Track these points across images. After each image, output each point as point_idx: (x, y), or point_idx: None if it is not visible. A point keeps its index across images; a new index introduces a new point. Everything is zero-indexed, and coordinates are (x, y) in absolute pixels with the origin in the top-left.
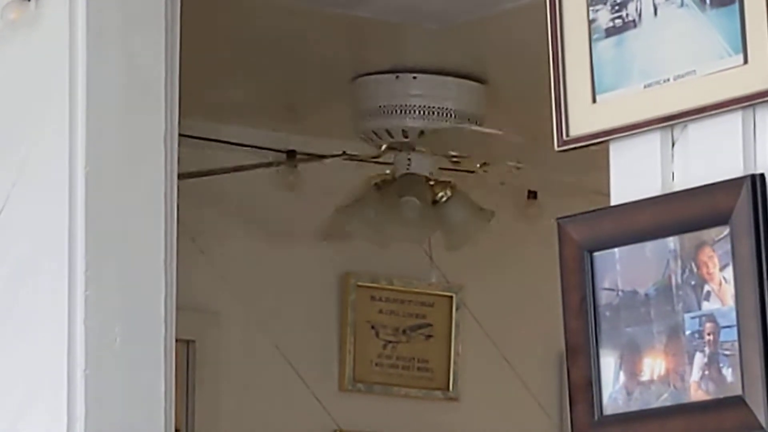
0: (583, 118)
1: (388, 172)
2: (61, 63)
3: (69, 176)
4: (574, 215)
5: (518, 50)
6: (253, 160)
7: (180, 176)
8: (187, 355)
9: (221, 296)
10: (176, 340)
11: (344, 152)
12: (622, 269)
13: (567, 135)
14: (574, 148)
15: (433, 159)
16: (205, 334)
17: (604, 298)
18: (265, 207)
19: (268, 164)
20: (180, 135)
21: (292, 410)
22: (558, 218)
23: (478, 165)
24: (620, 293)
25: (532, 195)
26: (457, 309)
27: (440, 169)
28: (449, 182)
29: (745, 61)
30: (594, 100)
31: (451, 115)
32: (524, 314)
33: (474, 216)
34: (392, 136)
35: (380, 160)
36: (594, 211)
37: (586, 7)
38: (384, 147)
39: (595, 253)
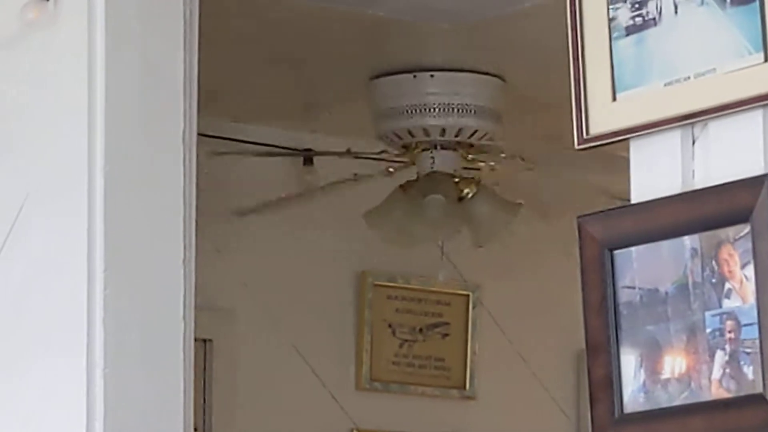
0: (604, 116)
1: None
2: (79, 62)
3: (88, 176)
4: (595, 213)
5: (536, 48)
6: (271, 160)
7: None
8: (204, 354)
9: (238, 295)
10: (194, 340)
11: (364, 155)
12: (642, 267)
13: (587, 133)
14: (594, 147)
15: (456, 156)
16: (222, 333)
17: (624, 296)
18: (282, 206)
19: (286, 154)
20: (198, 134)
21: (309, 409)
22: (578, 216)
23: (503, 155)
24: (640, 291)
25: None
26: (473, 307)
27: (464, 168)
28: (474, 178)
29: (766, 59)
30: (614, 99)
31: (470, 112)
32: (541, 313)
33: (501, 210)
34: (413, 136)
35: (401, 159)
36: (614, 209)
37: (606, 6)
38: (406, 147)
39: (616, 252)
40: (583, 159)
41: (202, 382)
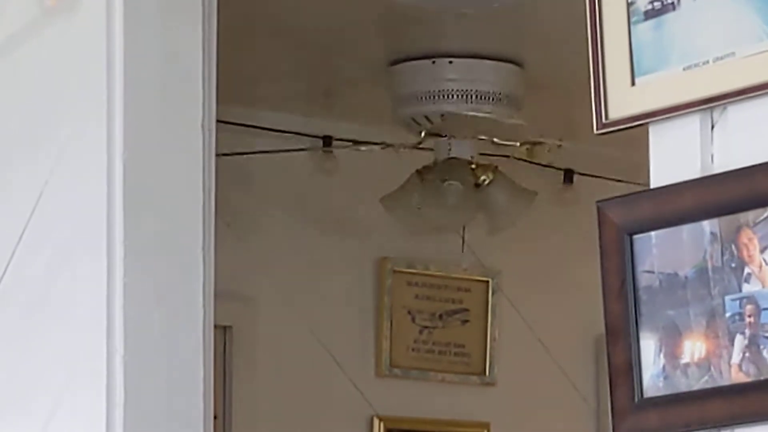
0: (623, 100)
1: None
2: (99, 50)
3: (107, 163)
4: (614, 198)
5: (554, 34)
6: (290, 146)
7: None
8: (224, 340)
9: (258, 282)
10: (213, 326)
11: (384, 142)
12: (661, 252)
13: (606, 118)
14: (614, 131)
15: (473, 143)
16: (242, 319)
17: (643, 280)
18: (302, 193)
19: (306, 149)
20: (217, 121)
21: (329, 395)
22: (597, 201)
23: (519, 144)
24: (660, 276)
25: (569, 179)
26: (493, 294)
27: (481, 154)
28: (491, 165)
29: None
30: (633, 83)
31: (489, 98)
32: (560, 298)
33: (517, 197)
34: (431, 122)
35: (421, 146)
36: (633, 194)
37: None
38: (424, 133)
39: (635, 236)
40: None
41: (222, 369)
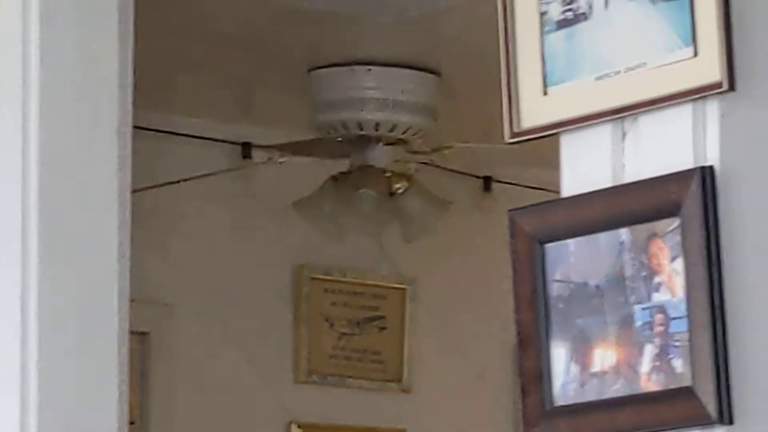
0: (534, 110)
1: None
2: (14, 54)
3: (22, 168)
4: (526, 207)
5: (472, 42)
6: (208, 152)
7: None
8: (141, 347)
9: (175, 288)
10: (130, 332)
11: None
12: (573, 261)
13: (518, 127)
14: (525, 140)
15: (389, 150)
16: (160, 326)
17: (555, 289)
18: (220, 199)
19: (224, 155)
20: (134, 127)
21: (248, 402)
22: (510, 210)
23: (430, 150)
24: (571, 285)
25: (487, 187)
26: (410, 301)
27: (396, 161)
28: (406, 173)
29: (695, 54)
30: (545, 93)
31: (406, 107)
32: (478, 306)
33: (431, 206)
34: (348, 129)
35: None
36: (545, 203)
37: (537, 0)
38: (340, 139)
39: (547, 245)
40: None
41: (140, 376)
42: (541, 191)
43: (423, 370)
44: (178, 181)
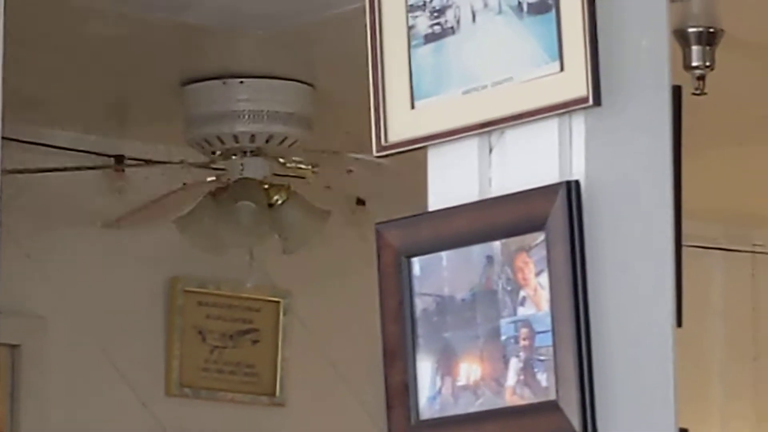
0: (402, 123)
1: (213, 179)
2: None
3: None
4: (392, 221)
5: (345, 55)
6: (81, 165)
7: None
8: (12, 359)
9: (47, 300)
10: (1, 345)
11: (182, 160)
12: (440, 274)
13: (385, 141)
14: (392, 154)
15: (266, 163)
16: (31, 338)
17: (422, 303)
18: (93, 211)
19: (95, 167)
20: (5, 138)
21: (119, 415)
22: (377, 224)
23: (310, 166)
24: (438, 298)
25: (361, 202)
26: (284, 314)
27: (274, 174)
28: (284, 185)
29: (562, 69)
30: (413, 106)
31: (281, 119)
32: (351, 319)
33: (311, 217)
34: (223, 142)
35: (214, 166)
36: (412, 216)
37: (405, 14)
38: (217, 153)
39: (413, 259)
40: None
41: (10, 388)
42: (416, 204)
43: (296, 383)
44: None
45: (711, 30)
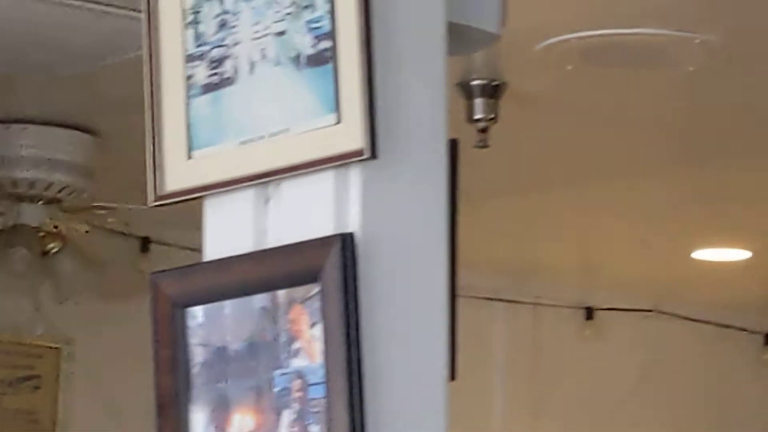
0: (178, 173)
1: None
2: None
3: None
4: (167, 270)
5: (126, 102)
6: None
7: None
8: None
9: None
10: None
11: None
12: (214, 326)
13: (162, 190)
14: (168, 204)
15: (43, 210)
16: None
17: (196, 354)
18: None
19: None
20: None
21: None
22: (152, 273)
23: (87, 209)
24: (212, 349)
25: (145, 248)
26: (65, 361)
27: (50, 219)
28: (60, 233)
29: (338, 121)
30: (190, 156)
31: (62, 166)
32: (134, 366)
33: (85, 267)
34: (2, 187)
35: None
36: (186, 266)
37: (183, 63)
38: None
39: (187, 309)
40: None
41: None
42: (199, 253)
43: (76, 430)
44: None
45: (495, 83)
